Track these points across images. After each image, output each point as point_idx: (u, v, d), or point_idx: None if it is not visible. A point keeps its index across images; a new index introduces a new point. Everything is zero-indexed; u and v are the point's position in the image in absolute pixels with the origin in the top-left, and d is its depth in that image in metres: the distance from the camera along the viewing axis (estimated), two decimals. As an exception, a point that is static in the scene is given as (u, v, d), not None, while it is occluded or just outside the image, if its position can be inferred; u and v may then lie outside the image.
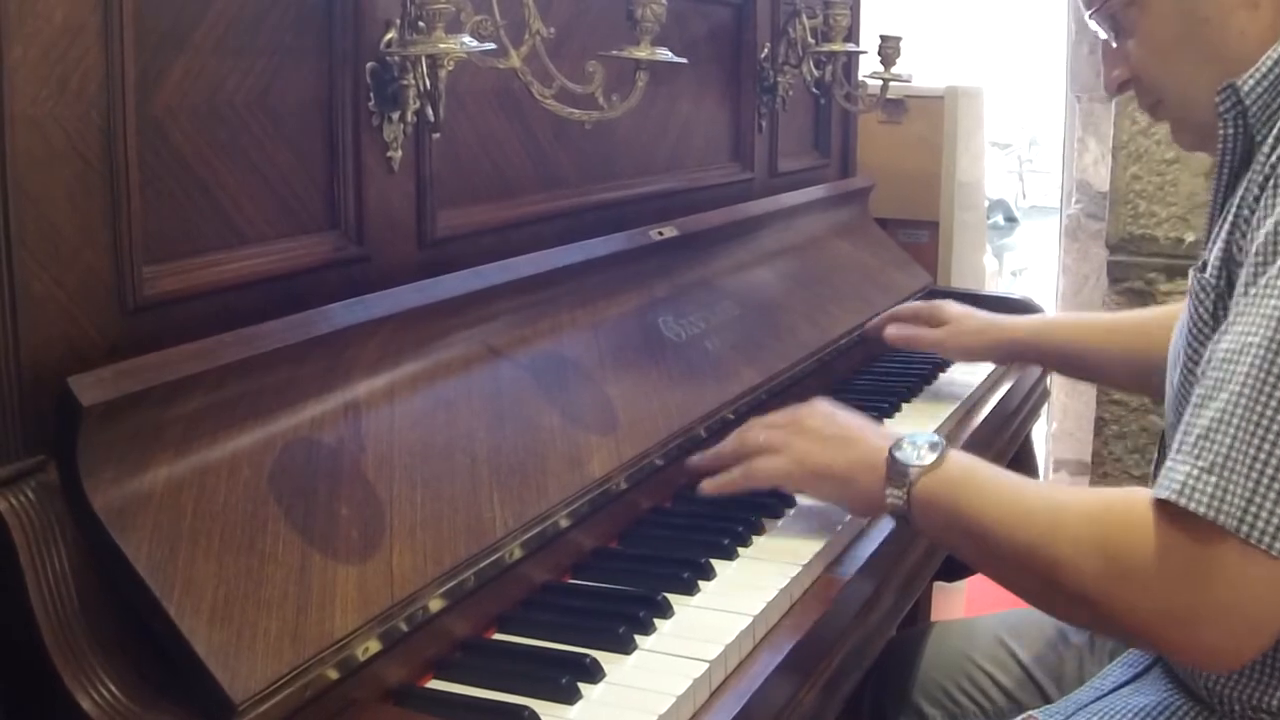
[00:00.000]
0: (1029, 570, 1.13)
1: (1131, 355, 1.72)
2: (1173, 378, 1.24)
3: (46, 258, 0.94)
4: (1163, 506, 1.03)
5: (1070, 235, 3.13)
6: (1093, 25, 1.31)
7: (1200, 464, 1.01)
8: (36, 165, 0.93)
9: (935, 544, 1.33)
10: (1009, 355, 2.00)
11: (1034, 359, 1.99)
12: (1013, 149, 9.55)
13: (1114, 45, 1.29)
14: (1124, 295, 2.62)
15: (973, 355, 1.99)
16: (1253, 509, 0.99)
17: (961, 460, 1.24)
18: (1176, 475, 1.02)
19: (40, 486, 0.90)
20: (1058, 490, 1.23)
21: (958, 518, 1.19)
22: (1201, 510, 0.99)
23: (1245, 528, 0.98)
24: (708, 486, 1.40)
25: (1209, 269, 1.16)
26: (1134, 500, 1.06)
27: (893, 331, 1.99)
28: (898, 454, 1.25)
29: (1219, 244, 1.15)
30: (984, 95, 3.00)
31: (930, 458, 1.23)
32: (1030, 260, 7.81)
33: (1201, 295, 1.16)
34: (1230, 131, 1.16)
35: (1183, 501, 1.00)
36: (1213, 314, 1.15)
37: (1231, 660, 1.06)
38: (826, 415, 1.39)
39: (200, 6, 1.09)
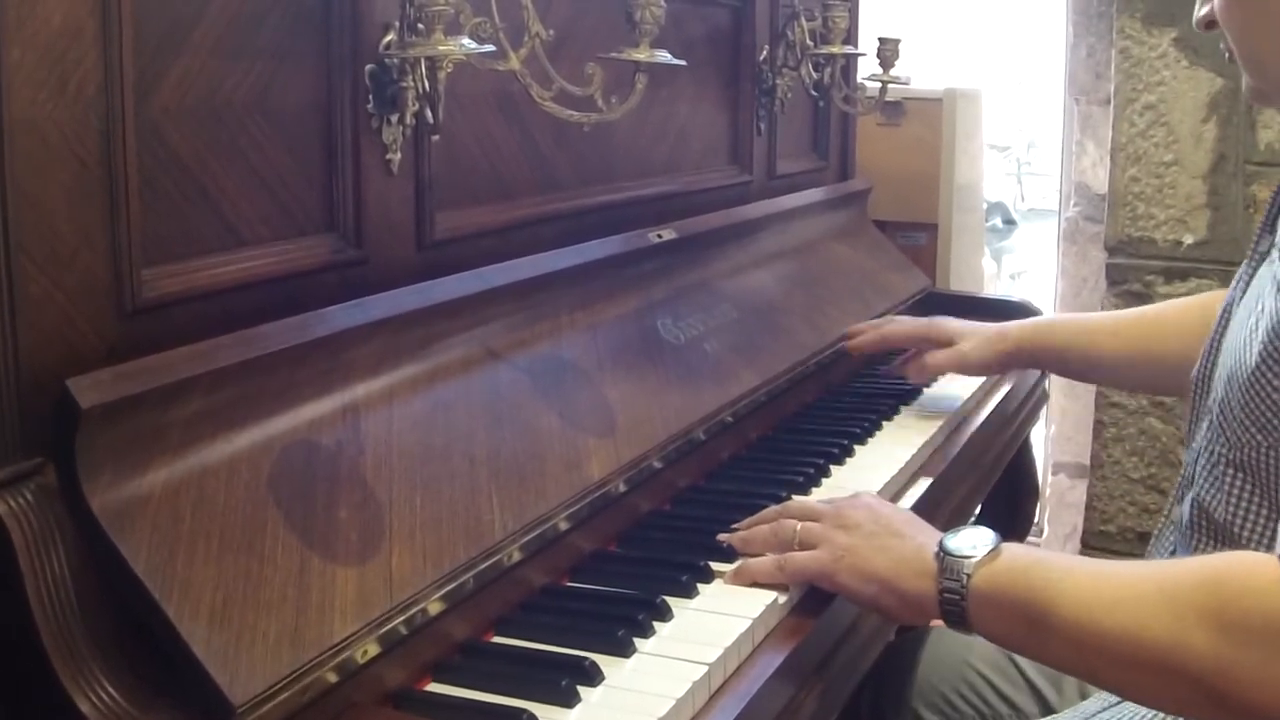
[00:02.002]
0: (1133, 658, 1.03)
1: (1138, 353, 1.68)
2: (1244, 356, 1.16)
3: (45, 260, 0.94)
4: None
5: (1069, 238, 3.13)
6: None
7: None
8: (35, 167, 0.93)
9: (999, 643, 1.20)
10: (1020, 363, 1.95)
11: (1038, 363, 1.96)
12: (1011, 151, 9.56)
13: None
14: (1122, 298, 2.62)
15: (994, 369, 1.94)
16: None
17: (1022, 549, 1.16)
18: None
19: (39, 489, 0.90)
20: (1148, 565, 1.10)
21: (1031, 608, 1.10)
22: None
23: None
24: (733, 579, 1.28)
25: None
26: (1250, 560, 0.99)
27: (912, 370, 1.92)
28: (949, 545, 1.17)
29: None
30: (982, 98, 3.01)
31: (986, 548, 1.15)
32: (1029, 263, 7.83)
33: None
34: None
35: None
36: None
37: None
38: (871, 510, 1.28)
39: (198, 8, 1.09)
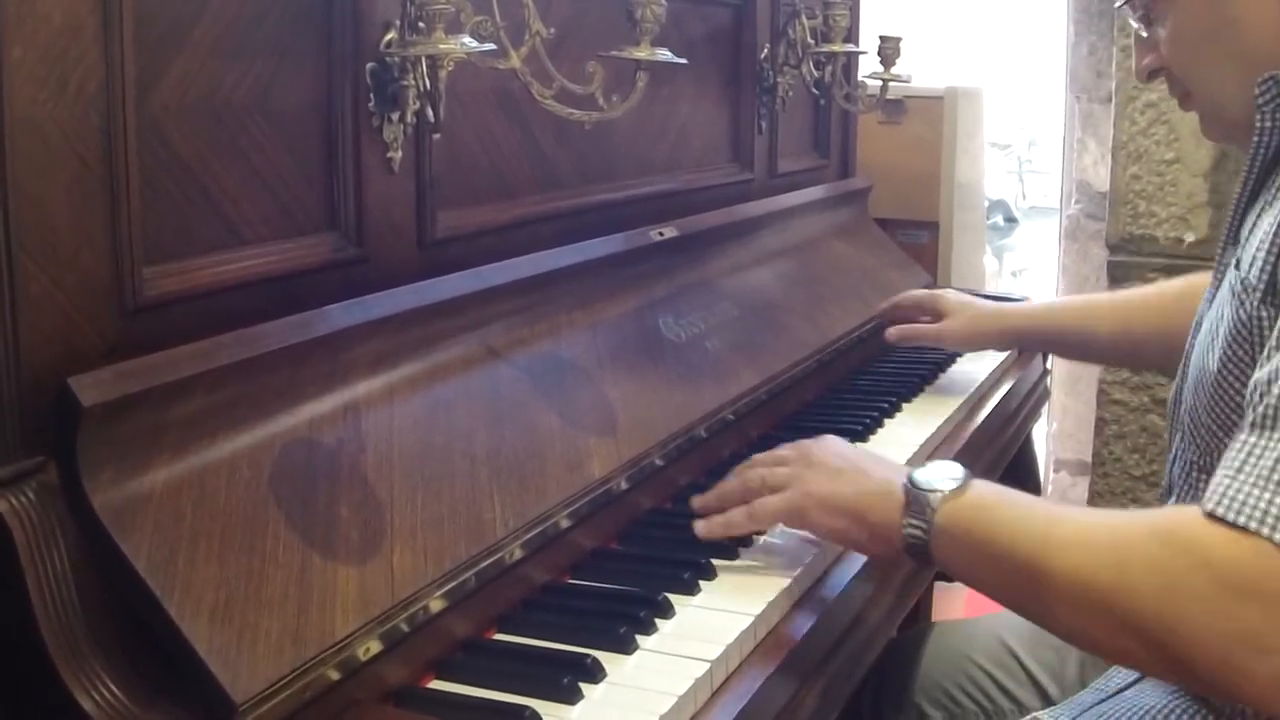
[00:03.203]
0: (1081, 602, 1.03)
1: (1120, 334, 1.76)
2: (1207, 362, 1.18)
3: (45, 259, 0.94)
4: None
5: (1070, 236, 3.12)
6: (1123, 14, 1.28)
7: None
8: (35, 166, 0.93)
9: (959, 578, 1.22)
10: (1010, 342, 2.03)
11: (1036, 345, 2.02)
12: (1012, 149, 9.55)
13: (1144, 34, 1.27)
14: (1124, 295, 2.62)
15: (973, 345, 2.01)
16: None
17: (989, 487, 1.17)
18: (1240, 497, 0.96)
19: (40, 487, 0.90)
20: (1107, 513, 1.10)
21: (989, 545, 1.11)
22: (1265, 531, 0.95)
23: None
24: (705, 530, 1.31)
25: (1248, 268, 1.11)
26: (1195, 517, 0.99)
27: (892, 332, 1.98)
28: (917, 477, 1.18)
29: (1261, 242, 1.09)
30: (983, 96, 3.01)
31: (953, 484, 1.16)
32: (1030, 261, 7.82)
33: (1245, 296, 1.11)
34: (1269, 124, 1.13)
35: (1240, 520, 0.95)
36: (1257, 315, 1.10)
37: None
38: (836, 449, 1.31)
39: (199, 7, 1.09)
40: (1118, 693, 1.30)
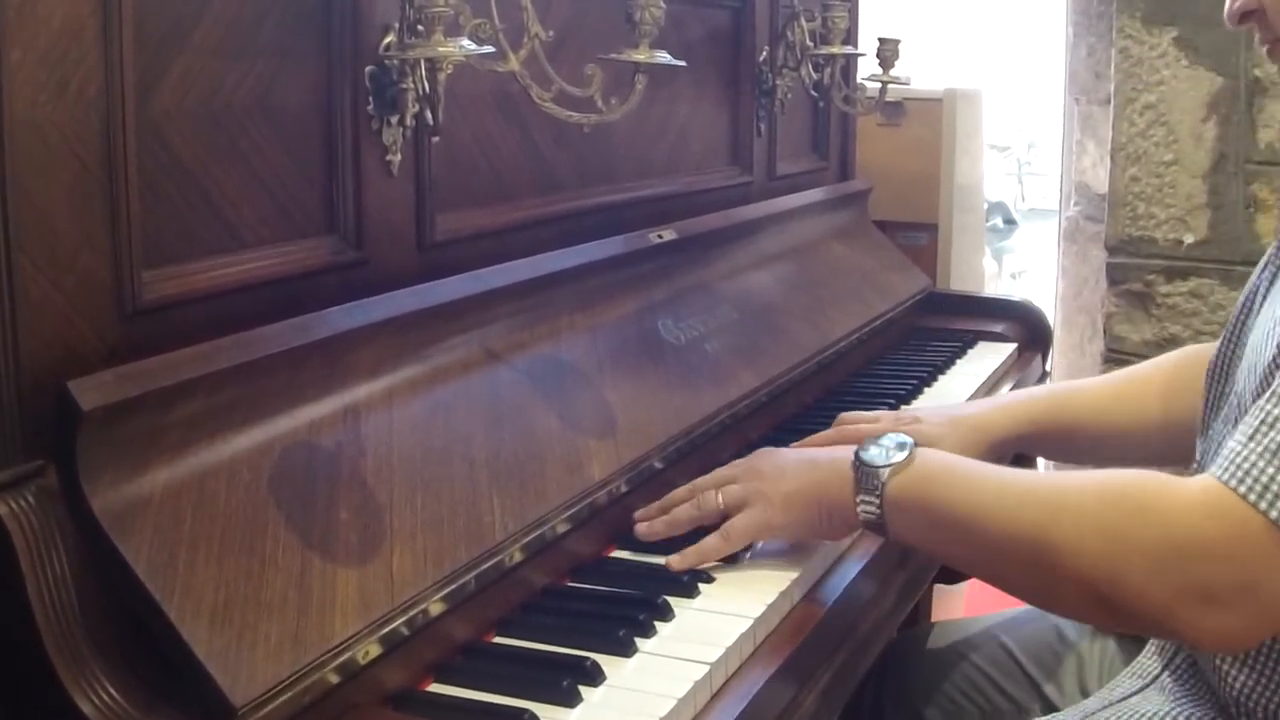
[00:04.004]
0: (1029, 560, 1.08)
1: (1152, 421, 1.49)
2: (1264, 349, 1.15)
3: (45, 261, 0.94)
4: (1211, 486, 1.02)
5: (1069, 237, 3.12)
6: None
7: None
8: (35, 168, 0.93)
9: (917, 550, 1.24)
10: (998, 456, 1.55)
11: (1027, 449, 1.66)
12: (1011, 151, 9.56)
13: None
14: (1123, 297, 2.62)
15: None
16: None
17: (936, 455, 1.19)
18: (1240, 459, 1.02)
19: (40, 491, 0.90)
20: (1054, 474, 1.18)
21: (941, 514, 1.14)
22: (1250, 495, 1.00)
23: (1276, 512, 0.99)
24: (680, 563, 1.27)
25: None
26: (1159, 480, 1.05)
27: None
28: (864, 455, 1.20)
29: None
30: (982, 98, 3.01)
31: (899, 456, 1.18)
32: (1029, 263, 7.83)
33: None
34: None
35: (1234, 483, 1.00)
36: None
37: (1242, 642, 1.06)
38: (777, 454, 1.33)
39: (198, 9, 1.09)
40: (1123, 700, 1.30)
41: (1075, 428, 1.51)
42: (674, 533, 1.32)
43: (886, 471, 1.18)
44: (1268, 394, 1.05)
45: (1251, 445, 1.03)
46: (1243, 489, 1.01)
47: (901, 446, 1.20)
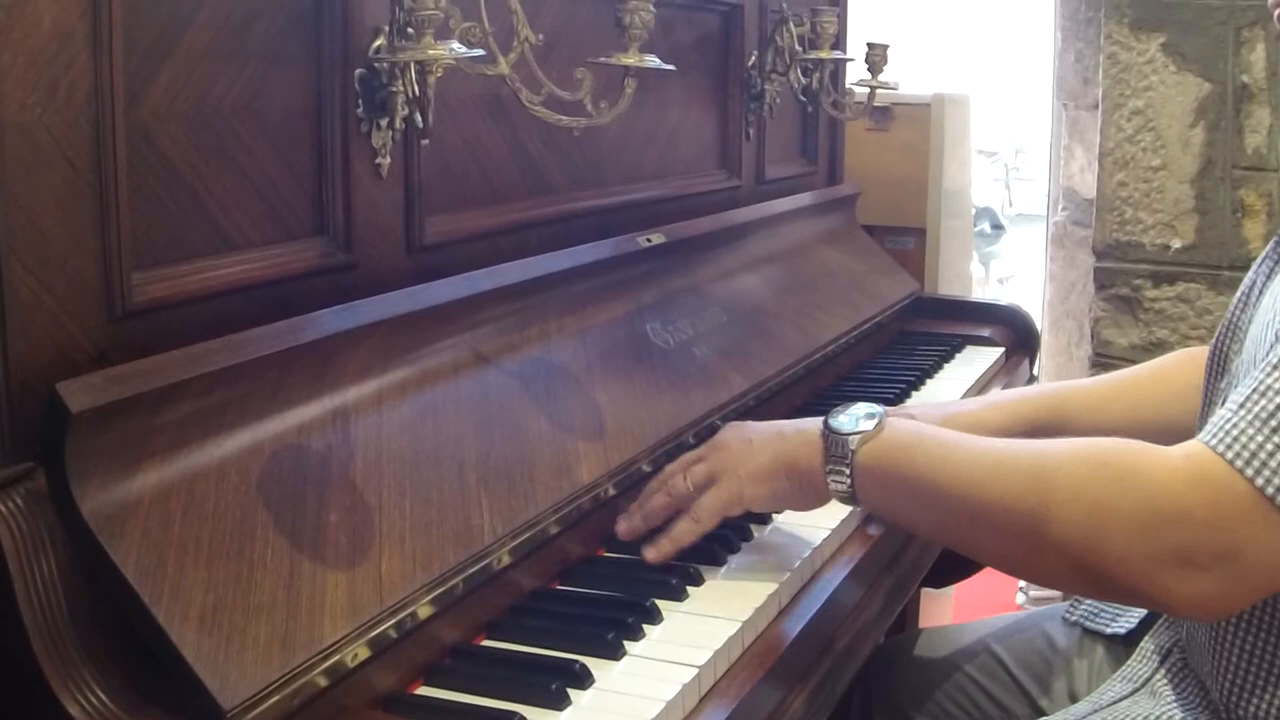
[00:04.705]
0: (1006, 527, 1.07)
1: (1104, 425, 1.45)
2: (1265, 338, 1.15)
3: (34, 264, 0.94)
4: (1195, 452, 1.02)
5: (1057, 242, 3.14)
6: None
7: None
8: (25, 171, 0.93)
9: (884, 520, 1.23)
10: None
11: None
12: (999, 157, 9.58)
13: None
14: (1110, 302, 2.63)
15: None
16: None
17: (906, 424, 1.19)
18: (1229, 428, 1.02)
19: (28, 494, 0.90)
20: (1031, 441, 1.14)
21: (913, 482, 1.13)
22: (1237, 461, 1.00)
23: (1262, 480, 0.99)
24: (655, 554, 1.27)
25: None
26: (1139, 448, 1.05)
27: None
28: (833, 423, 1.19)
29: None
30: (970, 103, 3.01)
31: (869, 424, 1.17)
32: (1017, 267, 7.84)
33: None
34: None
35: (1221, 449, 1.01)
36: None
37: (1220, 609, 1.05)
38: (742, 428, 1.32)
39: (189, 12, 1.09)
40: (1112, 704, 1.30)
41: (1069, 427, 1.51)
42: (651, 525, 1.31)
43: (856, 439, 1.17)
44: (1262, 364, 1.05)
45: (1241, 413, 1.02)
46: (1230, 455, 1.01)
47: (871, 415, 1.19)
